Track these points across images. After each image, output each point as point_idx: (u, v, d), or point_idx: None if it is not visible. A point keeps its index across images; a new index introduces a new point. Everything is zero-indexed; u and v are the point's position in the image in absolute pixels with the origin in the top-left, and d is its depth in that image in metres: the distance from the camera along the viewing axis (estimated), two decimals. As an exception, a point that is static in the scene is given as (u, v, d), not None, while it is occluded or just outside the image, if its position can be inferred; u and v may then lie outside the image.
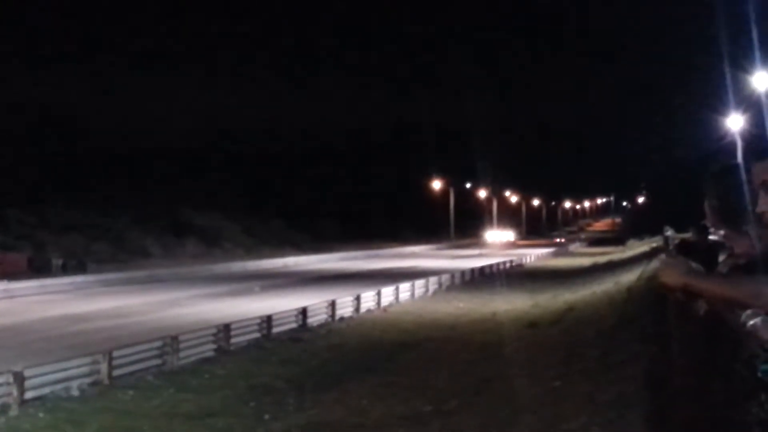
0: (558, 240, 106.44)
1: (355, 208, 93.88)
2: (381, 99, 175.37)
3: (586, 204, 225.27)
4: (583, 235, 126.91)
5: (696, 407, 3.41)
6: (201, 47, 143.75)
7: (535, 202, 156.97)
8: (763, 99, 27.35)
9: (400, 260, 60.78)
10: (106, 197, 62.44)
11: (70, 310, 27.57)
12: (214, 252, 64.35)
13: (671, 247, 21.36)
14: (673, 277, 3.36)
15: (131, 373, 16.16)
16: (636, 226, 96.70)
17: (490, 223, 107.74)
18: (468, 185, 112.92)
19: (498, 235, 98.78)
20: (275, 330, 21.83)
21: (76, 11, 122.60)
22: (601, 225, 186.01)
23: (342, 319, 25.69)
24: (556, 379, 13.76)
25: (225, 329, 19.72)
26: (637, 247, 61.63)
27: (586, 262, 57.33)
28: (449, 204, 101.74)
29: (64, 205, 58.37)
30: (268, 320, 21.78)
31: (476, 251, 77.00)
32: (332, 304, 25.78)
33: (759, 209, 3.43)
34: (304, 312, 23.89)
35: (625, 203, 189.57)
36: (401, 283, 32.99)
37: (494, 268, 48.27)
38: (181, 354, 17.76)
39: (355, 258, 64.10)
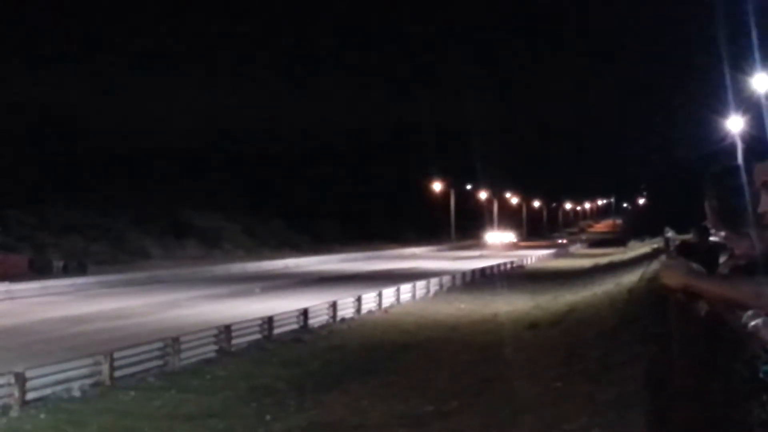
0: (560, 241, 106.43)
1: (355, 208, 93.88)
2: (381, 99, 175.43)
3: (587, 205, 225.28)
4: (583, 237, 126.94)
5: (696, 408, 3.42)
6: (201, 47, 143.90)
7: (536, 204, 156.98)
8: (763, 101, 27.36)
9: (400, 261, 60.78)
10: (106, 197, 62.46)
11: (71, 312, 27.59)
12: (215, 253, 64.38)
13: (672, 248, 21.37)
14: (673, 278, 3.37)
15: (132, 374, 16.18)
16: (636, 227, 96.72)
17: (491, 225, 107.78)
18: (468, 186, 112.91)
19: (499, 237, 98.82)
20: (276, 331, 21.84)
21: (76, 11, 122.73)
22: (602, 226, 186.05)
23: (343, 320, 25.69)
24: (556, 380, 13.78)
25: (226, 330, 19.73)
26: (637, 248, 61.62)
27: (586, 263, 57.32)
28: (450, 205, 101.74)
29: (64, 206, 58.40)
30: (269, 321, 21.79)
31: (477, 252, 77.00)
32: (333, 306, 25.79)
33: (761, 209, 3.45)
34: (305, 313, 23.90)
35: (625, 204, 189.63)
36: (402, 284, 32.99)
37: (495, 270, 48.27)
38: (182, 355, 17.78)
39: (356, 259, 64.10)
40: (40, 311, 27.81)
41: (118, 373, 15.75)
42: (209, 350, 19.01)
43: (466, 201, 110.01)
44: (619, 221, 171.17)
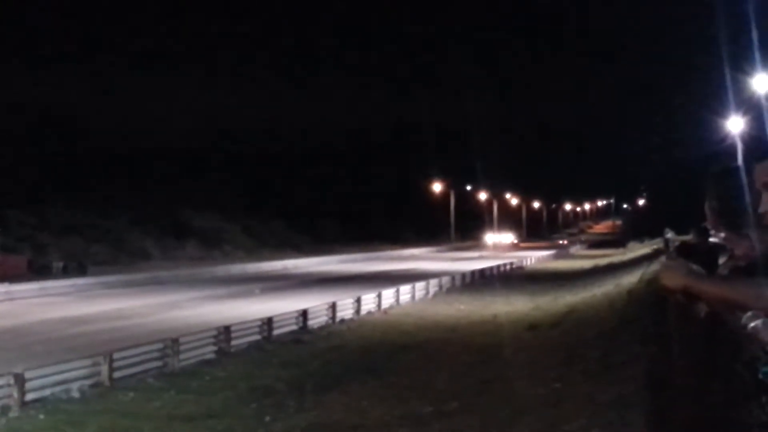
0: (560, 242, 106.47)
1: (355, 208, 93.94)
2: (381, 99, 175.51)
3: (587, 206, 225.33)
4: (583, 238, 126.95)
5: (696, 408, 3.42)
6: (201, 47, 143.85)
7: (536, 205, 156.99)
8: (764, 101, 27.34)
9: (400, 262, 60.80)
10: (106, 198, 62.47)
11: (71, 313, 27.59)
12: (214, 254, 64.40)
13: (672, 249, 21.36)
14: (673, 279, 3.37)
15: (132, 375, 16.18)
16: (636, 228, 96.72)
17: (491, 226, 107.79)
18: (468, 187, 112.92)
19: (499, 238, 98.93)
20: (276, 332, 21.84)
21: (76, 11, 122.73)
22: (602, 227, 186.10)
23: (343, 321, 25.68)
24: (556, 381, 13.77)
25: (225, 331, 19.73)
26: (637, 249, 61.63)
27: (586, 264, 57.33)
28: (449, 206, 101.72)
29: (64, 206, 58.41)
30: (268, 322, 21.78)
31: (476, 253, 77.03)
32: (333, 306, 25.79)
33: (761, 210, 3.44)
34: (304, 314, 23.90)
35: (625, 205, 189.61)
36: (402, 286, 33.00)
37: (495, 271, 48.27)
38: (182, 356, 17.77)
39: (355, 260, 64.11)
40: (39, 312, 27.81)
41: (117, 374, 15.75)
42: (209, 351, 19.00)
43: (466, 202, 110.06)
44: (618, 222, 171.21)
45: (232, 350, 19.52)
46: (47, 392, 14.15)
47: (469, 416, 12.77)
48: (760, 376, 2.43)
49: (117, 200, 62.77)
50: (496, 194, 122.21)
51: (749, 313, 2.74)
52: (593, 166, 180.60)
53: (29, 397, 13.73)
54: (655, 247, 46.68)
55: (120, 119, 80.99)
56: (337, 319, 25.50)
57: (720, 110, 33.72)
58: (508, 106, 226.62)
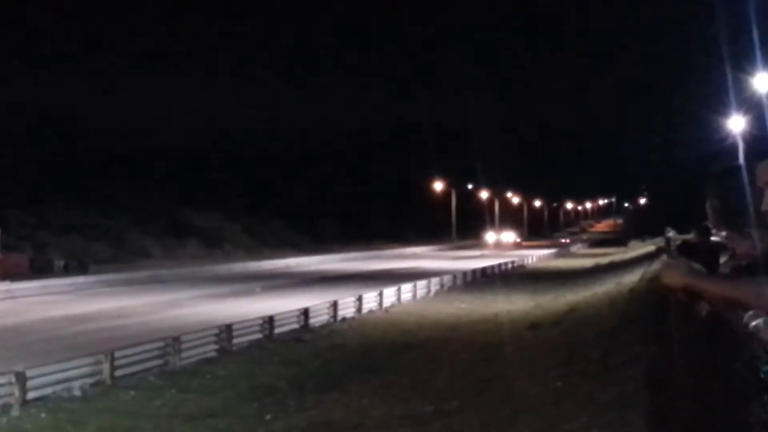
0: (562, 240, 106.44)
1: (355, 208, 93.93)
2: (381, 99, 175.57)
3: (588, 205, 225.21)
4: (584, 236, 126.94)
5: (696, 408, 3.43)
6: (201, 47, 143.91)
7: (537, 204, 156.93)
8: (764, 101, 27.33)
9: (401, 261, 60.80)
10: (106, 197, 62.49)
11: (72, 311, 27.61)
12: (215, 253, 64.42)
13: (673, 248, 21.37)
14: (674, 278, 3.37)
15: (133, 374, 16.19)
16: (637, 227, 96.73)
17: (492, 225, 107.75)
18: (470, 186, 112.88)
19: (501, 236, 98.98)
20: (277, 331, 21.85)
21: (76, 11, 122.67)
22: (603, 226, 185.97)
23: (344, 319, 25.70)
24: (556, 380, 13.77)
25: (227, 330, 19.74)
26: (638, 248, 61.63)
27: (587, 263, 57.32)
28: (450, 205, 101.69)
29: (64, 206, 58.43)
30: (269, 321, 21.79)
31: (478, 252, 77.03)
32: (334, 305, 25.80)
33: (763, 208, 3.44)
34: (305, 313, 23.91)
35: (626, 204, 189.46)
36: (403, 284, 33.00)
37: (496, 269, 48.27)
38: (183, 354, 17.79)
39: (356, 259, 64.11)
40: (40, 310, 27.82)
41: (118, 373, 15.76)
42: (210, 350, 19.02)
43: (467, 201, 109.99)
44: (620, 221, 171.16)
45: (234, 349, 19.53)
46: (48, 391, 14.17)
47: (469, 415, 12.77)
48: (762, 375, 2.44)
49: (117, 200, 62.78)
50: (497, 193, 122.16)
51: (750, 312, 2.75)
52: (593, 165, 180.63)
53: (30, 395, 13.75)
54: (656, 246, 46.65)
55: (120, 119, 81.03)
56: (339, 318, 25.51)
57: (720, 110, 33.71)
58: (508, 106, 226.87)
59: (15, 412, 13.22)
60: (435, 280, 36.83)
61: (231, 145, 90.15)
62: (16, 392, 13.42)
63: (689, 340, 3.92)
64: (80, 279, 39.09)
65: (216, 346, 19.23)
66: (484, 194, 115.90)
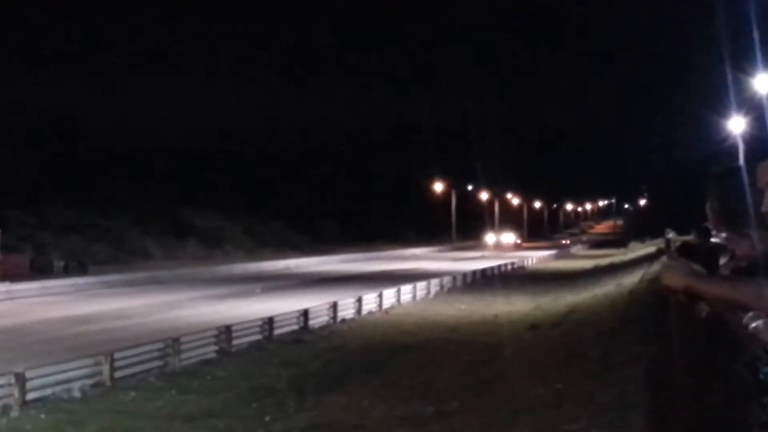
0: (563, 242, 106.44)
1: (355, 208, 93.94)
2: (381, 99, 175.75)
3: (588, 206, 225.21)
4: (584, 238, 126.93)
5: (696, 408, 3.42)
6: (201, 47, 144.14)
7: (537, 205, 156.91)
8: (765, 101, 27.32)
9: (401, 262, 60.80)
10: (106, 197, 62.47)
11: (72, 312, 27.60)
12: (215, 254, 64.43)
13: (673, 249, 21.35)
14: (674, 279, 3.37)
15: (133, 375, 16.18)
16: (637, 228, 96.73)
17: (492, 226, 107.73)
18: (470, 187, 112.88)
19: (502, 237, 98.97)
20: (277, 332, 21.84)
21: (76, 11, 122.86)
22: (603, 227, 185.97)
23: (344, 320, 25.69)
24: (557, 381, 13.78)
25: (226, 331, 19.73)
26: (638, 250, 61.63)
27: (587, 264, 57.32)
28: (450, 206, 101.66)
29: (64, 206, 58.41)
30: (269, 322, 21.78)
31: (478, 253, 77.02)
32: (334, 306, 25.79)
33: (763, 209, 3.44)
34: (305, 314, 23.90)
35: (626, 205, 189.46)
36: (403, 285, 33.00)
37: (496, 270, 48.26)
38: (183, 355, 17.78)
39: (356, 260, 64.11)
40: (40, 311, 27.82)
41: (118, 374, 15.75)
42: (210, 351, 19.01)
43: (467, 201, 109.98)
44: (619, 222, 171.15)
45: (233, 350, 19.52)
46: (48, 392, 14.16)
47: (469, 416, 12.77)
48: (761, 376, 2.43)
49: (117, 200, 62.77)
50: (497, 194, 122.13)
51: (750, 314, 2.74)
52: (593, 166, 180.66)
53: (30, 396, 13.74)
54: (656, 247, 46.64)
55: (120, 119, 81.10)
56: (338, 319, 25.50)
57: (720, 110, 33.71)
58: (508, 106, 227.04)
59: (14, 413, 13.21)
60: (435, 282, 36.83)
61: (231, 145, 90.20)
62: (16, 393, 13.42)
63: (689, 341, 3.92)
64: (80, 280, 39.08)
65: (216, 347, 19.23)
66: (484, 195, 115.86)
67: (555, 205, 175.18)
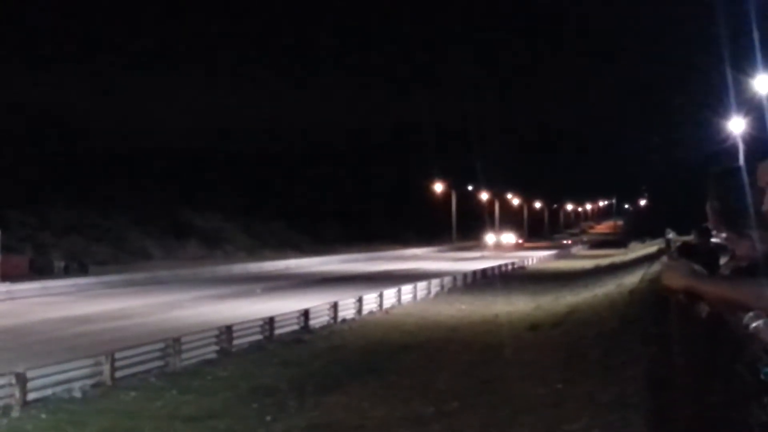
0: (564, 242, 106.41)
1: (356, 208, 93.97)
2: (381, 99, 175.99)
3: (588, 206, 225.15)
4: (585, 238, 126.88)
5: (696, 408, 3.43)
6: (201, 47, 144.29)
7: (537, 205, 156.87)
8: (765, 102, 27.32)
9: (401, 262, 60.79)
10: (106, 197, 62.49)
11: (72, 312, 27.60)
12: (216, 254, 64.43)
13: (673, 250, 21.35)
14: (675, 280, 3.37)
15: (133, 375, 16.19)
16: (638, 228, 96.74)
17: (492, 226, 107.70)
18: (470, 187, 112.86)
19: (502, 237, 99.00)
20: (277, 332, 21.85)
21: (76, 11, 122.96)
22: (603, 227, 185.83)
23: (344, 320, 25.69)
24: (557, 381, 13.78)
25: (227, 331, 19.74)
26: (638, 250, 61.63)
27: (588, 264, 57.30)
28: (450, 206, 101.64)
29: (64, 206, 58.42)
30: (270, 322, 21.79)
31: (478, 253, 77.01)
32: (334, 306, 25.79)
33: (764, 209, 3.44)
34: (306, 314, 23.90)
35: (627, 206, 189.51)
36: (403, 285, 33.00)
37: (496, 271, 48.26)
38: (183, 356, 17.78)
39: (357, 260, 64.10)
40: (40, 311, 27.82)
41: (119, 374, 15.76)
42: (210, 351, 19.02)
43: (467, 202, 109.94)
44: (620, 222, 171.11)
45: (234, 350, 19.53)
46: (49, 392, 14.17)
47: (469, 416, 12.78)
48: (762, 376, 2.44)
49: (117, 200, 62.79)
50: (498, 194, 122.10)
51: (751, 314, 2.75)
52: (593, 166, 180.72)
53: (31, 396, 13.75)
54: (656, 247, 46.64)
55: (120, 119, 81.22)
56: (339, 319, 25.50)
57: (720, 110, 33.71)
58: (508, 106, 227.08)
59: (15, 413, 13.22)
60: (435, 282, 36.82)
61: (231, 145, 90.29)
62: (17, 393, 13.42)
63: (689, 341, 3.93)
64: (80, 280, 39.08)
65: (216, 348, 19.23)
66: (484, 195, 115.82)
67: (555, 206, 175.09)
